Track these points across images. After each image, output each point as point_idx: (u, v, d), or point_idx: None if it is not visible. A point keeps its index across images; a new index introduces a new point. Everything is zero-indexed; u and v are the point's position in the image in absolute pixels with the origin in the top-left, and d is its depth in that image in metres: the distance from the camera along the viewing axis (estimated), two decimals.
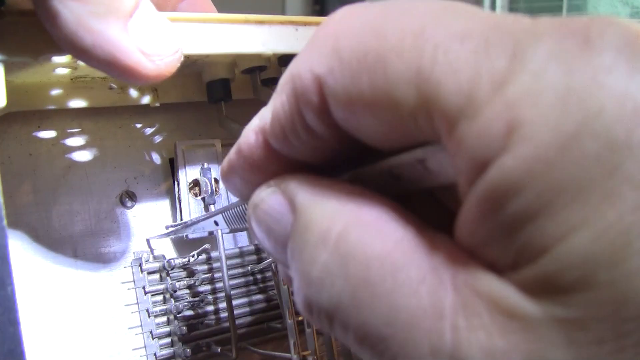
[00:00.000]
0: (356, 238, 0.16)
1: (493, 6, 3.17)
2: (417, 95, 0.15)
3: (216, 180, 0.41)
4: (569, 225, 0.13)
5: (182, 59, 0.28)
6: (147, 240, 0.39)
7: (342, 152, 0.19)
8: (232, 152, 0.22)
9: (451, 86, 0.14)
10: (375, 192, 0.18)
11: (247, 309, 0.42)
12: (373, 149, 0.18)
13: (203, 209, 0.40)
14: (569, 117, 0.13)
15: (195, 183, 0.40)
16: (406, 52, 0.15)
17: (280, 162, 0.20)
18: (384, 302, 0.15)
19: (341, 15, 0.17)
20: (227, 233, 0.42)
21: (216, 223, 0.29)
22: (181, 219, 0.40)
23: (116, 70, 0.26)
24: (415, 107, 0.15)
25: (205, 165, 0.40)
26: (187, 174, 0.40)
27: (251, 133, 0.20)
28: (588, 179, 0.12)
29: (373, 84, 0.15)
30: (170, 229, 0.39)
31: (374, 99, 0.16)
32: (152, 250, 0.39)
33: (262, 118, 0.20)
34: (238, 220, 0.27)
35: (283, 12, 1.44)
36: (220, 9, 0.37)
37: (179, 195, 0.40)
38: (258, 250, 0.43)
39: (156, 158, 0.41)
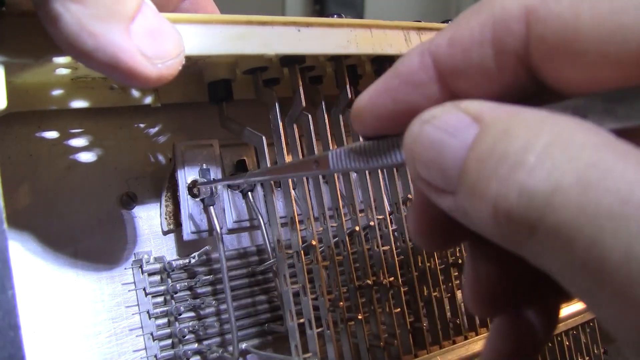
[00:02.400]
0: (573, 130, 0.15)
1: None
2: None
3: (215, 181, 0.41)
4: None
5: (184, 62, 0.28)
6: (147, 238, 0.39)
7: (515, 93, 0.18)
8: (383, 78, 0.21)
9: None
10: None
11: (248, 311, 0.41)
12: (553, 93, 0.17)
13: (202, 209, 0.40)
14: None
15: (194, 183, 0.40)
16: None
17: (442, 91, 0.19)
18: (618, 181, 0.14)
19: None
20: (226, 234, 0.42)
21: (317, 162, 0.27)
22: (179, 220, 0.40)
23: (118, 74, 0.25)
24: None
25: (204, 166, 0.40)
26: (186, 175, 0.40)
27: (415, 56, 0.20)
28: None
29: (597, 11, 0.15)
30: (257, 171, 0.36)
31: (597, 29, 0.15)
32: (151, 249, 0.39)
33: (432, 42, 0.19)
34: (355, 159, 0.25)
35: (283, 13, 1.44)
36: (220, 9, 0.37)
37: (177, 195, 0.40)
38: (259, 252, 0.43)
39: (157, 158, 0.41)
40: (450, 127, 0.18)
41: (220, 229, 0.39)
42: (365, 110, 0.22)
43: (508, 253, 0.17)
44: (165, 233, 0.40)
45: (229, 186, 0.42)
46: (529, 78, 0.18)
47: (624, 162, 0.14)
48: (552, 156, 0.15)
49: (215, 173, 0.41)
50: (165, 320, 0.38)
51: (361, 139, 0.24)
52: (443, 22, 0.42)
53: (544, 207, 0.15)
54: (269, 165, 0.38)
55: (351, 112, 0.23)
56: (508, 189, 0.15)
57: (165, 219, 0.40)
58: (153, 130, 0.41)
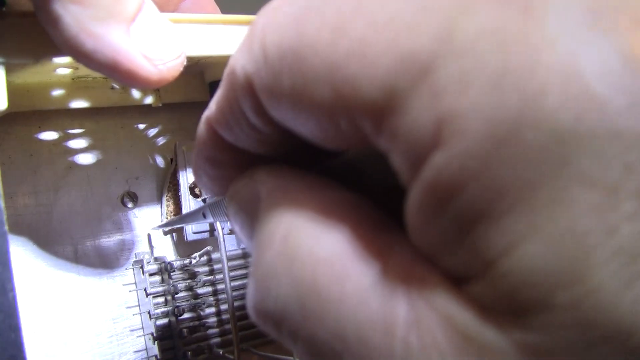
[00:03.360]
0: (303, 237, 0.15)
1: None
2: (333, 93, 0.13)
3: None
4: (515, 234, 0.11)
5: (185, 62, 0.27)
6: (148, 235, 0.39)
7: (298, 145, 0.18)
8: (194, 156, 0.20)
9: (369, 80, 0.12)
10: (342, 186, 0.16)
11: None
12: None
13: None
14: (505, 103, 0.10)
15: (196, 184, 0.40)
16: (322, 47, 0.13)
17: (236, 154, 0.19)
18: (332, 312, 0.13)
19: (271, 7, 0.15)
20: (228, 234, 0.42)
21: (204, 215, 0.29)
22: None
23: (118, 75, 0.25)
24: (334, 107, 0.13)
25: None
26: (188, 175, 0.40)
27: (202, 126, 0.19)
28: (532, 178, 0.10)
29: (293, 83, 0.14)
30: (165, 222, 0.39)
31: (295, 99, 0.14)
32: (152, 249, 0.39)
33: (210, 109, 0.18)
34: (222, 213, 0.26)
35: None
36: (223, 10, 0.37)
37: (178, 196, 0.40)
38: None
39: (158, 158, 0.40)
40: (246, 205, 0.18)
41: (222, 229, 0.39)
42: (195, 178, 0.21)
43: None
44: (165, 233, 0.40)
45: None
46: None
47: (340, 288, 0.14)
48: (276, 276, 0.14)
49: None
50: (166, 320, 0.38)
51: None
52: None
53: (277, 326, 0.15)
54: None
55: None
56: (249, 304, 0.16)
57: (166, 218, 0.40)
58: (154, 130, 0.41)
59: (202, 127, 0.19)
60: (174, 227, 0.39)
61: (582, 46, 0.10)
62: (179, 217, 0.38)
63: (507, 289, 0.11)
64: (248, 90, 0.16)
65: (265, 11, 0.16)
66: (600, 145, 0.10)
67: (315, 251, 0.14)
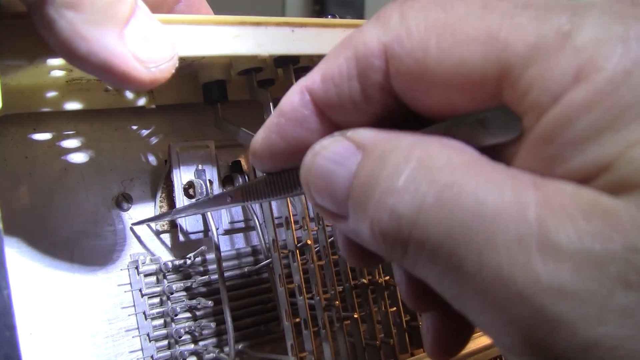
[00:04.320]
0: (437, 153, 0.17)
1: None
2: (486, 52, 0.17)
3: (210, 182, 0.41)
4: (637, 133, 0.15)
5: (177, 65, 0.28)
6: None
7: (388, 119, 0.20)
8: (271, 118, 0.22)
9: (520, 41, 0.16)
10: None
11: (244, 311, 0.41)
12: (423, 117, 0.19)
13: None
14: (631, 53, 0.15)
15: (190, 184, 0.40)
16: (475, 19, 0.17)
17: (324, 124, 0.21)
18: (470, 198, 0.16)
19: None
20: (222, 235, 0.42)
21: (231, 197, 0.29)
22: (175, 221, 0.40)
23: (111, 77, 0.26)
24: (486, 66, 0.17)
25: (200, 167, 0.40)
26: (182, 176, 0.40)
27: (295, 94, 0.21)
28: None
29: (442, 48, 0.17)
30: (180, 209, 0.38)
31: (442, 63, 0.17)
32: (147, 248, 0.39)
33: (308, 79, 0.21)
34: (260, 193, 0.26)
35: (283, 13, 1.44)
36: (220, 10, 0.37)
37: (172, 196, 0.40)
38: (254, 252, 0.43)
39: (152, 160, 0.41)
40: (338, 156, 0.19)
41: (217, 229, 0.39)
42: (259, 150, 0.23)
43: None
44: (158, 233, 0.40)
45: None
46: (399, 106, 0.20)
47: (476, 181, 0.16)
48: (416, 180, 0.17)
49: (211, 174, 0.41)
50: (161, 321, 0.38)
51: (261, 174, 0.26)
52: None
53: (411, 227, 0.17)
54: None
55: (249, 153, 0.24)
56: (381, 213, 0.17)
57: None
58: (148, 132, 0.41)
59: (294, 96, 0.21)
60: (190, 214, 0.39)
61: None
62: (192, 204, 0.36)
63: (634, 170, 0.15)
64: (380, 58, 0.19)
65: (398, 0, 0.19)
66: None
67: (451, 160, 0.17)
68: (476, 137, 0.18)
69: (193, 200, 0.40)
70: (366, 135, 0.19)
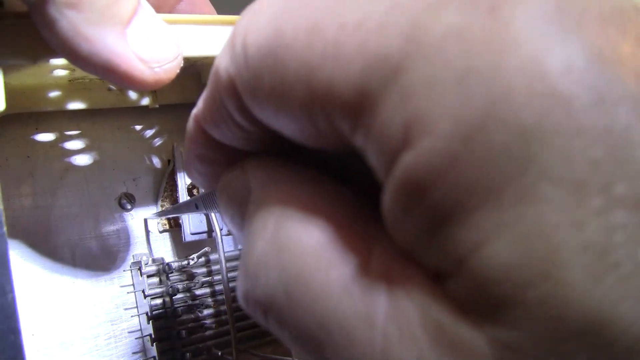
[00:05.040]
0: (294, 226, 0.15)
1: None
2: (309, 93, 0.13)
3: None
4: (483, 231, 0.11)
5: (182, 64, 0.28)
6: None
7: (284, 143, 0.18)
8: (185, 152, 0.21)
9: (343, 81, 0.12)
10: (330, 178, 0.17)
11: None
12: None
13: None
14: (470, 104, 0.11)
15: (194, 185, 0.40)
16: (298, 49, 0.13)
17: (224, 151, 0.19)
18: (317, 302, 0.14)
19: (253, 8, 0.16)
20: (226, 235, 0.42)
21: (196, 206, 0.29)
22: (179, 221, 0.40)
23: (114, 78, 0.25)
24: (311, 107, 0.14)
25: None
26: (186, 176, 0.40)
27: (190, 123, 0.19)
28: (499, 176, 0.11)
29: (272, 83, 0.14)
30: (159, 211, 0.39)
31: (275, 99, 0.15)
32: (150, 248, 0.39)
33: (198, 107, 0.19)
34: (214, 205, 0.27)
35: None
36: (220, 10, 0.37)
37: (176, 197, 0.40)
38: None
39: (155, 160, 0.40)
40: (236, 196, 0.18)
41: (220, 230, 0.39)
42: (187, 171, 0.22)
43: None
44: (161, 232, 0.40)
45: None
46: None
47: (325, 276, 0.14)
48: (267, 267, 0.15)
49: None
50: (164, 322, 0.38)
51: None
52: None
53: (266, 313, 0.15)
54: None
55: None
56: (239, 291, 0.16)
57: (160, 219, 0.40)
58: (151, 132, 0.41)
59: (190, 124, 0.19)
60: (168, 216, 0.40)
61: (547, 45, 0.10)
62: (174, 206, 0.37)
63: (478, 285, 0.11)
64: (231, 91, 0.16)
65: (247, 12, 0.16)
66: (566, 143, 0.10)
67: (303, 242, 0.14)
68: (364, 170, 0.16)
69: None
70: (254, 173, 0.17)
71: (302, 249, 0.14)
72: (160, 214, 0.39)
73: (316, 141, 0.15)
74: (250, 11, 0.16)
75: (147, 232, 0.39)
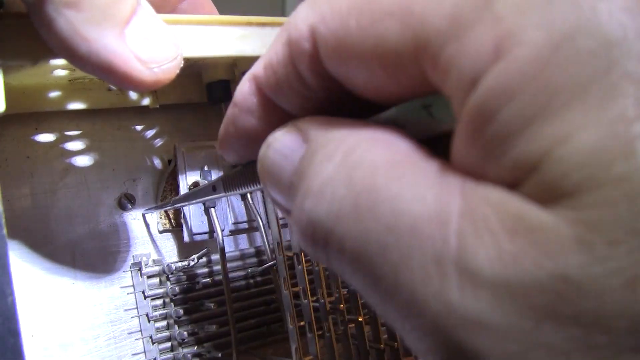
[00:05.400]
0: (364, 149, 0.16)
1: None
2: (402, 28, 0.15)
3: None
4: (571, 125, 0.12)
5: (182, 64, 0.27)
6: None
7: (339, 106, 0.19)
8: (228, 109, 0.22)
9: (436, 13, 0.14)
10: None
11: (247, 313, 0.41)
12: (371, 102, 0.18)
13: (203, 211, 0.40)
14: (560, 19, 0.12)
15: (196, 185, 0.40)
16: None
17: (275, 112, 0.20)
18: (387, 207, 0.14)
19: None
20: (227, 236, 0.42)
21: (214, 188, 0.29)
22: (184, 221, 0.40)
23: (112, 78, 0.25)
24: (402, 42, 0.15)
25: (206, 168, 0.40)
26: (187, 176, 0.40)
27: (245, 82, 0.21)
28: (585, 77, 0.12)
29: (361, 25, 0.16)
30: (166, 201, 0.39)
31: (362, 42, 0.16)
32: (155, 244, 0.39)
33: (255, 67, 0.20)
34: (237, 183, 0.27)
35: (283, 13, 1.43)
36: (220, 10, 0.37)
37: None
38: (258, 253, 0.43)
39: (155, 160, 0.40)
40: (286, 149, 0.18)
41: (222, 230, 0.39)
42: (222, 143, 0.23)
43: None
44: (161, 232, 0.40)
45: None
46: (344, 91, 0.18)
47: (397, 186, 0.15)
48: (334, 183, 0.16)
49: (217, 174, 0.40)
50: (164, 323, 0.38)
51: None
52: None
53: (327, 235, 0.15)
54: None
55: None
56: (300, 215, 0.16)
57: (160, 218, 0.40)
58: (151, 132, 0.40)
59: (245, 84, 0.21)
60: (167, 210, 0.40)
61: None
62: (182, 195, 0.37)
63: (561, 173, 0.12)
64: (308, 40, 0.18)
65: None
66: None
67: (376, 159, 0.15)
68: (425, 126, 0.17)
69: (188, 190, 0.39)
70: (312, 124, 0.18)
71: (374, 165, 0.15)
72: (159, 207, 0.38)
73: (387, 90, 0.16)
74: None
75: (147, 225, 0.39)
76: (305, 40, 0.18)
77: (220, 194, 0.29)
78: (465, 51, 0.13)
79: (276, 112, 0.20)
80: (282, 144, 0.19)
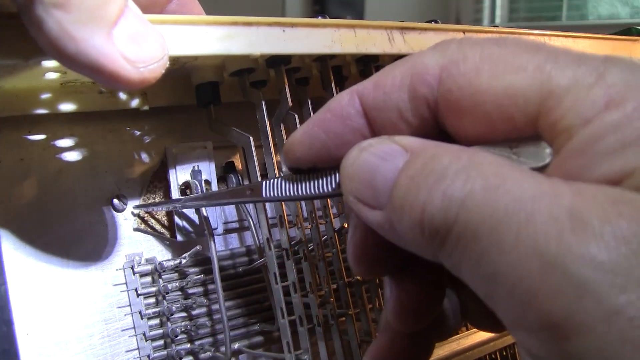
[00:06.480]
0: (483, 156, 0.20)
1: (493, 6, 3.18)
2: (532, 80, 0.20)
3: (207, 182, 0.41)
4: None
5: (168, 64, 0.28)
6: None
7: (424, 135, 0.23)
8: (316, 114, 0.25)
9: (561, 74, 0.20)
10: None
11: (239, 310, 0.42)
12: (457, 140, 0.22)
13: (194, 211, 0.40)
14: None
15: (187, 185, 0.41)
16: (524, 54, 0.21)
17: (366, 127, 0.24)
18: (513, 185, 0.18)
19: (463, 36, 0.22)
20: (220, 235, 0.43)
21: (251, 190, 0.28)
22: (177, 219, 0.40)
23: (100, 77, 0.26)
24: (529, 89, 0.20)
25: (197, 168, 0.40)
26: (178, 176, 0.40)
27: (345, 94, 0.25)
28: None
29: (493, 72, 0.21)
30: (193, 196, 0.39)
31: (493, 85, 0.21)
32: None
33: (360, 85, 0.24)
34: (283, 189, 0.27)
35: (283, 13, 1.44)
36: (220, 11, 0.38)
37: (169, 197, 0.40)
38: (249, 252, 0.43)
39: (147, 161, 0.41)
40: (385, 154, 0.22)
41: (213, 229, 0.39)
42: (298, 140, 0.26)
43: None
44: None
45: None
46: (435, 125, 0.23)
47: (518, 175, 0.19)
48: (467, 171, 0.19)
49: (208, 174, 0.41)
50: (157, 320, 0.39)
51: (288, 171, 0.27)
52: (427, 22, 0.43)
53: (459, 208, 0.19)
54: (257, 166, 0.38)
55: (284, 146, 0.26)
56: (433, 196, 0.19)
57: (149, 216, 0.40)
58: (142, 134, 0.41)
59: (344, 96, 0.25)
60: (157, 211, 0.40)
61: None
62: (205, 194, 0.37)
63: None
64: (434, 77, 0.22)
65: (457, 37, 0.23)
66: None
67: (497, 161, 0.19)
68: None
69: (208, 190, 0.40)
70: (412, 140, 0.22)
71: (496, 160, 0.19)
72: (160, 207, 0.39)
73: (487, 131, 0.22)
74: (460, 36, 0.25)
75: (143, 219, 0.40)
76: (431, 75, 0.22)
77: (255, 199, 0.28)
78: (582, 102, 0.19)
79: (367, 128, 0.24)
80: (379, 149, 0.22)
